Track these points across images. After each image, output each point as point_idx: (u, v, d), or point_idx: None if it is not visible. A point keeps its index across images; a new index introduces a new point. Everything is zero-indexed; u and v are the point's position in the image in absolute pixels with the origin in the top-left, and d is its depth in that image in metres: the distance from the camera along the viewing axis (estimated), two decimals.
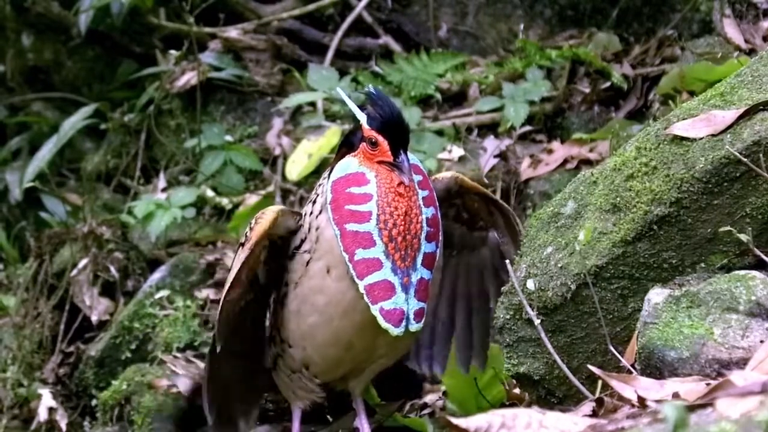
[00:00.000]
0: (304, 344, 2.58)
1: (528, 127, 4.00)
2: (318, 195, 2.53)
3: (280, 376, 2.70)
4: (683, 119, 2.29)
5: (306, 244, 2.51)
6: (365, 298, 2.41)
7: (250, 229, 2.58)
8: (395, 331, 2.42)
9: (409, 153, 2.48)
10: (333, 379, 2.67)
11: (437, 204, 2.52)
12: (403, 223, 2.43)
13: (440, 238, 2.51)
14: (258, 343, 2.77)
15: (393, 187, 2.44)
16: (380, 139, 2.46)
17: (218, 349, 2.58)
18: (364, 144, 2.48)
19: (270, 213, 2.57)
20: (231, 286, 2.55)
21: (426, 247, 2.46)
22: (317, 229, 2.49)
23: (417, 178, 2.49)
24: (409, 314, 2.42)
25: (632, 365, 2.19)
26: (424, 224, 2.46)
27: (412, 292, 2.43)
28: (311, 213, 2.53)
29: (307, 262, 2.51)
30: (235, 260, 2.61)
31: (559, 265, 2.33)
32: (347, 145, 2.54)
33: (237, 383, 2.80)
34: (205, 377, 2.76)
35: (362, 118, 2.50)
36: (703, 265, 2.24)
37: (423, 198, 2.48)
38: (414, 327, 2.43)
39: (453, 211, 2.75)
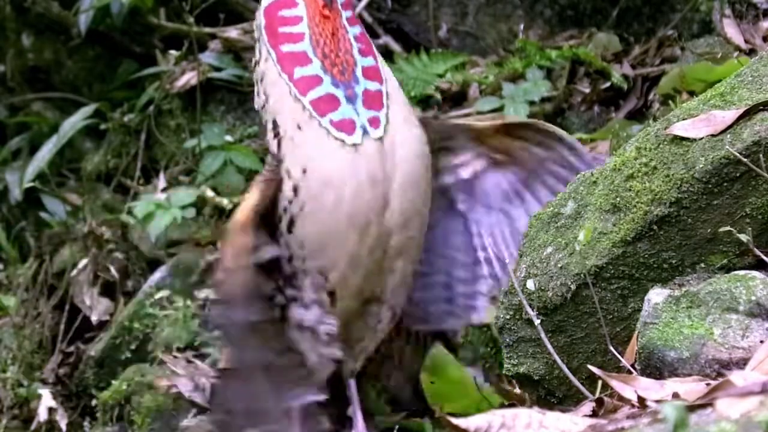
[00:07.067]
0: (320, 244, 2.48)
1: None
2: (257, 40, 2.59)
3: (293, 335, 2.54)
4: (683, 119, 2.28)
5: (279, 129, 2.50)
6: (313, 114, 2.44)
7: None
8: (351, 139, 2.42)
9: None
10: (355, 297, 2.54)
11: (362, 23, 2.62)
12: (333, 41, 2.50)
13: (375, 53, 2.56)
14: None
15: (318, 9, 2.51)
16: None
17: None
18: None
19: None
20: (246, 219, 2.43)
21: (362, 62, 2.52)
22: (263, 75, 2.53)
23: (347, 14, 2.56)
24: (363, 124, 2.44)
25: (632, 365, 2.19)
26: (353, 41, 2.53)
27: (359, 103, 2.46)
28: (256, 62, 2.58)
29: (283, 139, 2.49)
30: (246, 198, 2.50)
31: (559, 265, 2.33)
32: None
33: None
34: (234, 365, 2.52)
35: None
36: (703, 265, 2.24)
37: (347, 18, 2.55)
38: (375, 134, 2.44)
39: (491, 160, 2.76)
